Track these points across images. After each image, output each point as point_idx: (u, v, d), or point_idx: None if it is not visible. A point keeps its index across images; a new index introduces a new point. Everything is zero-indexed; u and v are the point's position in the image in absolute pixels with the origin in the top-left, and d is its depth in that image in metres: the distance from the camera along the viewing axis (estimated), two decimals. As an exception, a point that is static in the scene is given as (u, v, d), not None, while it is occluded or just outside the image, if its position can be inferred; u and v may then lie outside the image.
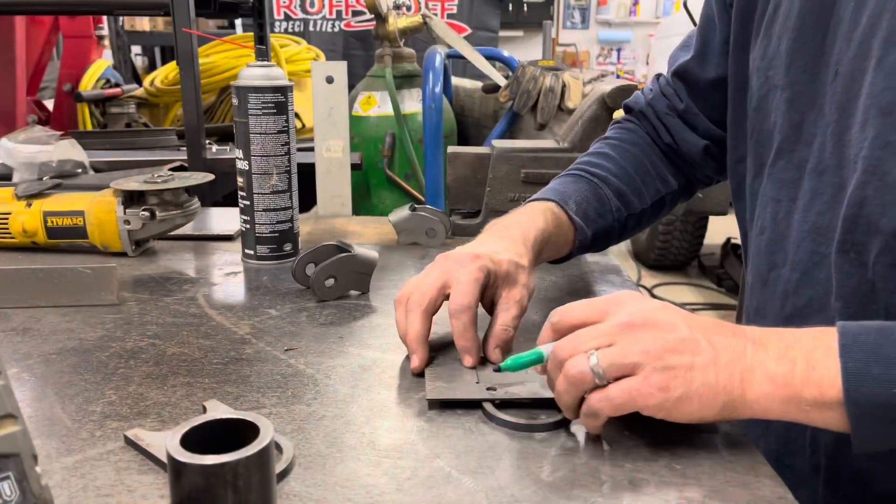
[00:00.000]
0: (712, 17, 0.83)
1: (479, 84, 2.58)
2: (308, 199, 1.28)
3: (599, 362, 0.53)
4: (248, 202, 0.99)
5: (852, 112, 0.61)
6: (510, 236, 0.75)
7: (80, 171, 1.58)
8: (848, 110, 0.61)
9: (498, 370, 0.61)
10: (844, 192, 0.61)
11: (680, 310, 0.57)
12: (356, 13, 4.42)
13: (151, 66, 5.25)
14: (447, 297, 0.68)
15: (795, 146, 0.68)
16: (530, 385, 0.63)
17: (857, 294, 0.61)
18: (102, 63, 2.88)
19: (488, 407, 0.60)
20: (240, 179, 1.00)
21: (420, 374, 0.68)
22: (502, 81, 2.23)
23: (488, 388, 0.63)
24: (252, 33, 2.20)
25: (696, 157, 0.90)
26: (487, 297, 0.71)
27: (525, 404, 0.61)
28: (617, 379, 0.53)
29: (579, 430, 0.59)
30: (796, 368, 0.51)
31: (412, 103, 2.46)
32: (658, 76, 0.95)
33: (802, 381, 0.51)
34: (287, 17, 4.51)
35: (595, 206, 0.84)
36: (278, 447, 0.54)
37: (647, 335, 0.53)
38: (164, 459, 0.42)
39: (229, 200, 1.48)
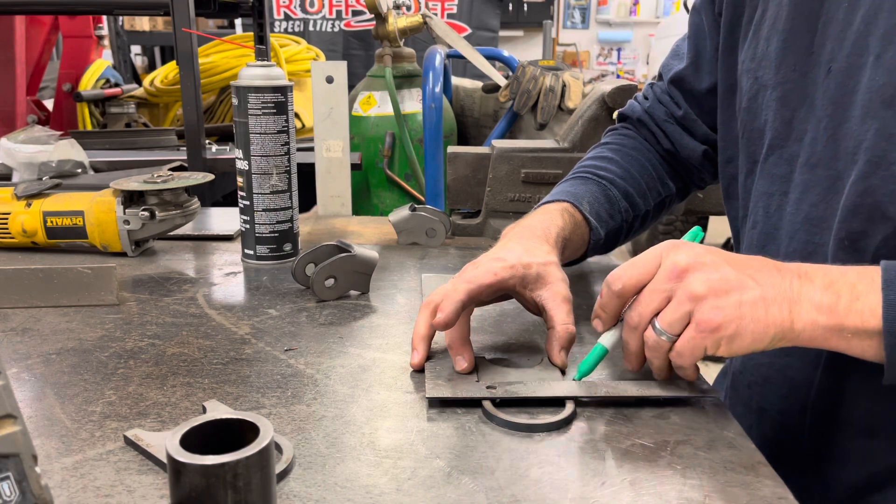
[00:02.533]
0: (702, 27, 0.85)
1: (479, 84, 2.58)
2: (308, 199, 1.28)
3: (661, 327, 0.58)
4: (248, 202, 0.99)
5: (848, 106, 0.62)
6: (533, 236, 0.75)
7: (79, 171, 1.59)
8: (843, 105, 0.63)
9: (576, 379, 0.64)
10: (840, 182, 0.63)
11: (724, 252, 0.59)
12: (356, 13, 4.42)
13: (151, 66, 5.25)
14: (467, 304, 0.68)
15: (786, 142, 0.70)
16: (531, 384, 0.63)
17: None
18: (102, 63, 2.88)
19: (488, 407, 0.60)
20: (240, 179, 1.00)
21: (420, 371, 0.68)
22: (502, 81, 2.23)
23: (488, 387, 0.63)
24: (252, 33, 2.20)
25: (696, 162, 0.91)
26: (529, 300, 0.71)
27: (526, 402, 0.61)
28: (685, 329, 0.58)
29: (579, 430, 0.59)
30: (841, 300, 0.55)
31: (412, 103, 2.45)
32: (651, 84, 0.96)
33: (846, 311, 0.55)
34: (287, 17, 4.51)
35: (606, 207, 0.86)
36: (278, 447, 0.54)
37: (693, 278, 0.57)
38: (164, 459, 0.42)
39: (229, 200, 1.48)
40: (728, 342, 0.56)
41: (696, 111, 0.89)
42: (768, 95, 0.71)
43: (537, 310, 0.71)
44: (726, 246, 4.14)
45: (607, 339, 0.64)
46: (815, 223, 0.66)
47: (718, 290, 0.56)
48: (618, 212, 0.87)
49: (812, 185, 0.67)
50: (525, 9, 7.43)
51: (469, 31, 4.50)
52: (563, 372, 0.66)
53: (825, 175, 0.65)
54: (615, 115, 1.03)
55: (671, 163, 0.94)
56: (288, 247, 1.02)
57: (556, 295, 0.69)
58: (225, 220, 1.24)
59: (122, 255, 1.03)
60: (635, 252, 4.45)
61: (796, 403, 0.70)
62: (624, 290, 0.61)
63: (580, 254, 0.85)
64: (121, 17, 3.58)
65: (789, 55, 0.69)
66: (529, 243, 0.73)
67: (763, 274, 0.57)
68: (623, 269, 0.62)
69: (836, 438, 0.67)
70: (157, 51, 5.36)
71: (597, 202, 0.84)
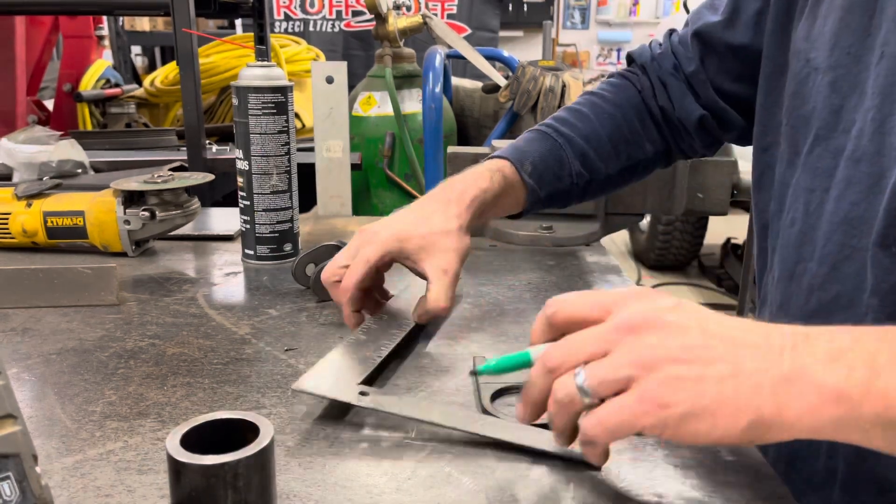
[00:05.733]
0: None
1: (479, 84, 2.57)
2: (308, 199, 1.28)
3: (587, 380, 0.45)
4: (248, 202, 0.99)
5: None
6: (445, 199, 0.77)
7: (80, 171, 1.58)
8: (892, 95, 0.58)
9: (475, 373, 0.54)
10: (885, 181, 0.58)
11: (701, 309, 0.47)
12: (356, 13, 4.41)
13: (151, 66, 5.25)
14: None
15: (833, 133, 0.64)
16: (406, 399, 0.61)
17: None
18: (102, 63, 2.88)
19: (487, 405, 0.60)
20: (240, 179, 1.00)
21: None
22: (502, 81, 2.23)
23: (361, 393, 0.59)
24: (252, 33, 2.20)
25: (689, 125, 0.87)
26: (417, 274, 0.74)
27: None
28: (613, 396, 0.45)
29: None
30: (854, 375, 0.40)
31: (412, 103, 2.45)
32: (671, 31, 0.91)
33: (862, 393, 0.40)
34: (287, 17, 4.51)
35: (553, 168, 0.85)
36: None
37: (647, 341, 0.44)
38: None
39: (229, 200, 1.48)
40: (678, 423, 0.42)
41: (711, 70, 0.84)
42: (819, 80, 0.65)
43: (424, 277, 0.74)
44: (726, 246, 4.13)
45: (536, 351, 0.51)
46: (854, 224, 0.60)
47: (676, 359, 0.43)
48: (567, 175, 0.86)
49: (854, 181, 0.60)
50: (525, 9, 7.43)
51: (469, 31, 4.49)
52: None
53: (868, 172, 0.59)
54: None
55: (659, 122, 0.90)
56: (288, 247, 1.02)
57: (436, 268, 0.72)
58: (225, 220, 1.24)
59: (123, 255, 1.03)
60: (636, 251, 4.45)
61: None
62: (555, 318, 0.50)
63: (517, 210, 0.86)
64: (121, 18, 3.58)
65: (844, 36, 0.63)
66: (431, 208, 0.76)
67: (745, 341, 0.44)
68: (567, 296, 0.51)
69: (858, 463, 0.62)
70: (157, 51, 5.37)
71: (542, 163, 0.84)
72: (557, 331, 0.50)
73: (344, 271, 0.73)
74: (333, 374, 0.62)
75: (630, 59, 0.95)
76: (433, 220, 0.74)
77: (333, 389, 0.60)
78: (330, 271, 0.74)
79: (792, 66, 0.70)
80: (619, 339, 0.45)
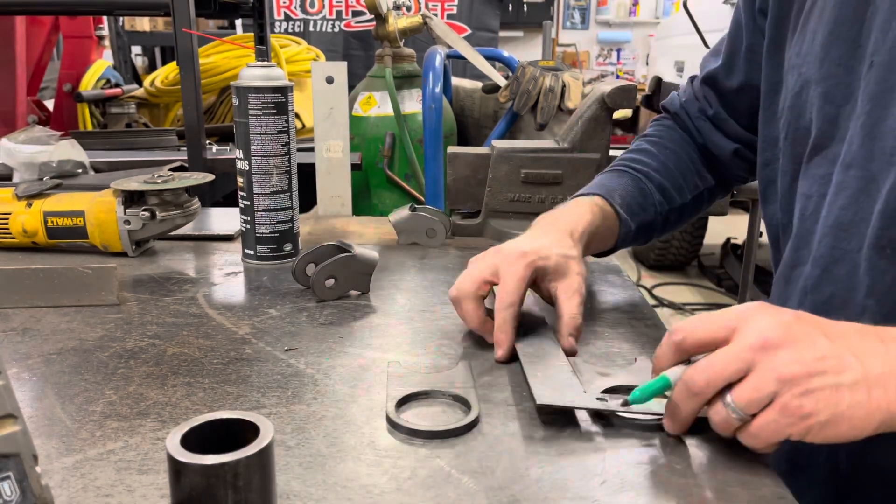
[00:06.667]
0: (741, 25, 0.84)
1: (479, 84, 2.57)
2: (308, 199, 1.28)
3: (736, 404, 0.50)
4: (248, 202, 0.99)
5: (888, 104, 0.59)
6: (558, 230, 0.78)
7: (80, 171, 1.59)
8: (882, 102, 0.60)
9: (626, 404, 0.57)
10: (874, 185, 0.60)
11: (816, 319, 0.52)
12: (356, 13, 4.41)
13: (151, 66, 5.26)
14: (492, 286, 0.73)
15: (830, 141, 0.66)
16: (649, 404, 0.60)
17: (893, 292, 0.59)
18: (102, 63, 2.88)
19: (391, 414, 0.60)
20: (240, 179, 1.00)
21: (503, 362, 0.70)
22: (502, 81, 2.23)
23: (598, 399, 0.60)
24: (252, 33, 2.20)
25: (726, 159, 0.91)
26: (544, 290, 0.75)
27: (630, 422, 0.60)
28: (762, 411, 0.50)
29: (579, 430, 0.59)
30: None
31: (412, 103, 2.45)
32: (692, 78, 0.97)
33: None
34: (287, 18, 4.51)
35: (639, 199, 0.87)
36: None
37: (783, 357, 0.49)
38: None
39: (229, 200, 1.48)
40: (820, 430, 0.48)
41: (728, 110, 0.89)
42: (812, 92, 0.68)
43: (551, 300, 0.74)
44: (726, 246, 4.13)
45: (673, 374, 0.56)
46: (844, 228, 0.63)
47: (812, 372, 0.48)
48: (651, 205, 0.88)
49: (844, 186, 0.63)
50: (525, 9, 7.43)
51: (469, 31, 4.50)
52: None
53: (858, 176, 0.62)
54: (619, 108, 1.04)
55: (707, 156, 0.94)
56: (288, 247, 1.02)
57: (568, 287, 0.72)
58: (225, 220, 1.24)
59: (123, 255, 1.04)
60: (635, 251, 4.44)
61: None
62: (684, 344, 0.55)
63: (610, 245, 0.86)
64: (121, 18, 3.58)
65: (834, 48, 0.65)
66: (554, 236, 0.76)
67: (865, 346, 0.50)
68: (690, 321, 0.55)
69: (861, 457, 0.63)
70: (157, 51, 5.37)
71: (629, 195, 0.86)
72: (686, 354, 0.55)
73: (484, 284, 0.73)
74: (554, 385, 0.62)
75: (664, 108, 0.99)
76: (558, 246, 0.75)
77: (575, 400, 0.60)
78: (469, 283, 0.73)
79: (787, 82, 0.73)
80: (756, 357, 0.50)
